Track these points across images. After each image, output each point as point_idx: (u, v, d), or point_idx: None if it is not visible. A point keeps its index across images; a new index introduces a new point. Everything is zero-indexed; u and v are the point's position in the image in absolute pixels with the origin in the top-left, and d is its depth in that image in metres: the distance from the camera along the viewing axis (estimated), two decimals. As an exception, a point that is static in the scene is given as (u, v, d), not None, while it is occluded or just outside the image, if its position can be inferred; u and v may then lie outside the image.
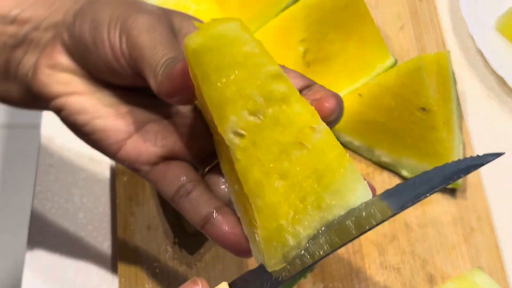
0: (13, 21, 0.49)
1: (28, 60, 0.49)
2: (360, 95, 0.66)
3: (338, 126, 0.55)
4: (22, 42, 0.49)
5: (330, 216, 0.44)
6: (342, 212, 0.44)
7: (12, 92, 0.51)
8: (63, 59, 0.48)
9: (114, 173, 0.67)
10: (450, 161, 0.65)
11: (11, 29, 0.49)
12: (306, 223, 0.44)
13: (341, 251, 0.63)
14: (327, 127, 0.45)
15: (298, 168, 0.44)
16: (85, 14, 0.48)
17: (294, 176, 0.44)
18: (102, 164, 0.68)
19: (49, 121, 0.70)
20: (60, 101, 0.48)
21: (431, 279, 0.63)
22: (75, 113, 0.48)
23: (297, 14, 0.68)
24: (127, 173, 0.66)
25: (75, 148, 0.68)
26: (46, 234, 0.64)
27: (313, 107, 0.45)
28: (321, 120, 0.44)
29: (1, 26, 0.49)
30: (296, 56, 0.69)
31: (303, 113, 0.44)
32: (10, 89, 0.50)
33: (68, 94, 0.48)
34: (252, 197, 0.44)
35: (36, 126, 1.35)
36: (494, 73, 0.74)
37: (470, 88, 0.74)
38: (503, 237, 0.66)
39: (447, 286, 0.59)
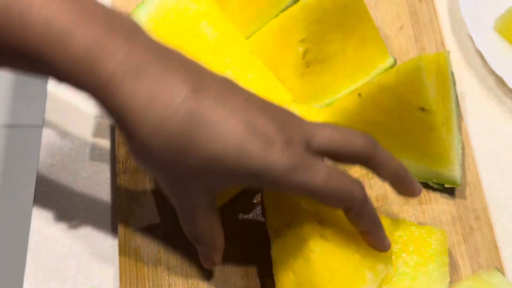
0: None
1: None
2: (359, 95, 0.66)
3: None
4: None
5: None
6: None
7: None
8: None
9: (114, 172, 0.67)
10: (449, 161, 0.65)
11: None
12: None
13: (341, 250, 0.63)
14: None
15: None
16: None
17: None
18: (102, 164, 0.68)
19: (50, 121, 0.70)
20: None
21: (430, 279, 0.63)
22: None
23: (297, 14, 0.68)
24: (128, 172, 0.66)
25: (76, 147, 0.69)
26: (46, 234, 0.65)
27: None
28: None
29: None
30: (295, 57, 0.69)
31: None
32: None
33: None
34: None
35: (37, 126, 1.35)
36: (493, 73, 0.74)
37: (469, 88, 0.74)
38: (502, 237, 0.66)
39: (463, 285, 0.59)
